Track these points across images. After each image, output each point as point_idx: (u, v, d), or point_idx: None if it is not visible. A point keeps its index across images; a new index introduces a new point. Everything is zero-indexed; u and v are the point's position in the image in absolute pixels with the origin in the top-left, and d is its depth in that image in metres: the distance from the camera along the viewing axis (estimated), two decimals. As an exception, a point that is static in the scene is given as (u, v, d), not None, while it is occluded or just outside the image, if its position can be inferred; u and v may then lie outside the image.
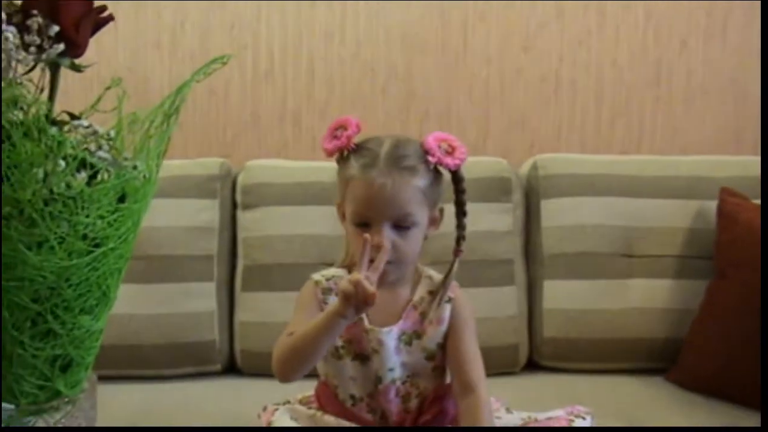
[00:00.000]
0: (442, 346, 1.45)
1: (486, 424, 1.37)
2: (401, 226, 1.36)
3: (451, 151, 1.39)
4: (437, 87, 2.55)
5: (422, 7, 2.51)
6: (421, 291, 1.47)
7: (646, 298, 2.07)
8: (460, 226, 1.47)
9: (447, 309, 1.45)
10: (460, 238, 1.47)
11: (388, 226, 1.35)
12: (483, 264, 2.07)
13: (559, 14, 2.53)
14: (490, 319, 2.05)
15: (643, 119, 2.57)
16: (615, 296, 2.07)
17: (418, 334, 1.44)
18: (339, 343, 1.42)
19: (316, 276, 1.48)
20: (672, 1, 2.52)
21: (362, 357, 1.43)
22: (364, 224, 1.37)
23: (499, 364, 2.07)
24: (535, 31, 2.53)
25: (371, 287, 1.23)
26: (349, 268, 1.46)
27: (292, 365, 1.34)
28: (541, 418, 1.47)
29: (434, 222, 1.45)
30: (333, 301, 1.38)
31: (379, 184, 1.34)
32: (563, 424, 1.44)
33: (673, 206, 2.11)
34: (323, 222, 2.02)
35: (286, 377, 1.36)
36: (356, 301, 1.23)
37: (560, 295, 2.09)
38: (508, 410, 1.54)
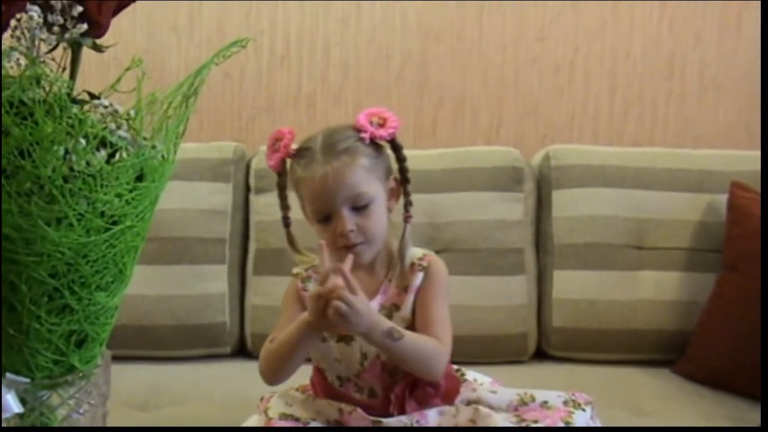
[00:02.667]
0: None
1: (428, 347, 1.39)
2: (358, 206, 1.40)
3: (382, 123, 1.43)
4: (451, 74, 2.55)
5: (438, -5, 2.52)
6: (399, 267, 1.49)
7: (655, 290, 2.08)
8: (406, 193, 1.50)
9: (419, 276, 1.47)
10: (407, 204, 1.50)
11: (347, 211, 1.39)
12: (493, 252, 2.08)
13: (575, 5, 2.52)
14: (500, 308, 2.06)
15: (656, 111, 2.57)
16: (624, 287, 2.08)
17: (396, 306, 1.46)
18: None
19: (296, 269, 1.54)
20: (687, -5, 2.52)
21: (346, 338, 1.46)
22: (325, 218, 1.41)
23: (508, 353, 2.09)
24: (551, 21, 2.53)
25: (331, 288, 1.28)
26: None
27: (274, 372, 1.42)
28: (539, 396, 1.48)
29: (393, 194, 1.49)
30: (312, 287, 1.44)
31: (321, 176, 1.38)
32: (560, 414, 1.44)
33: (683, 199, 2.11)
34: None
35: (271, 382, 1.44)
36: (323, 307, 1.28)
37: (570, 285, 2.10)
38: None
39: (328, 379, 1.50)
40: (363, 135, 1.41)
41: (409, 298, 1.46)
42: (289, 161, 1.47)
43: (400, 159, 1.48)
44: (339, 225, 1.39)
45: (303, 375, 1.53)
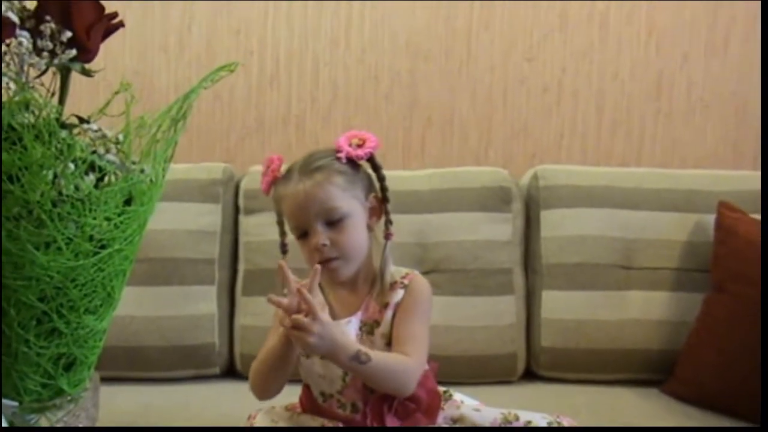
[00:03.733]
0: None
1: (397, 366, 1.40)
2: (332, 222, 1.44)
3: (361, 144, 1.48)
4: (440, 94, 2.56)
5: (427, 15, 2.53)
6: (381, 285, 1.52)
7: (643, 310, 2.08)
8: (385, 212, 1.53)
9: (400, 293, 1.49)
10: (387, 222, 1.53)
11: (321, 226, 1.44)
12: (482, 273, 2.08)
13: (563, 25, 2.54)
14: (489, 328, 2.06)
15: (644, 131, 2.58)
16: (612, 307, 2.08)
17: (377, 322, 1.48)
18: None
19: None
20: (674, 15, 2.54)
21: None
22: (303, 234, 1.46)
23: (497, 373, 2.09)
24: (539, 42, 2.55)
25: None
26: None
27: (261, 387, 1.47)
28: (522, 416, 1.49)
29: (374, 212, 1.53)
30: None
31: (294, 192, 1.45)
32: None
33: (671, 219, 2.12)
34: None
35: (260, 396, 1.48)
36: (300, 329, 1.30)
37: (558, 305, 2.10)
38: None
39: (313, 395, 1.52)
40: (339, 155, 1.46)
41: (388, 315, 1.48)
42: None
43: (380, 178, 1.53)
44: (313, 240, 1.44)
45: (292, 395, 1.55)
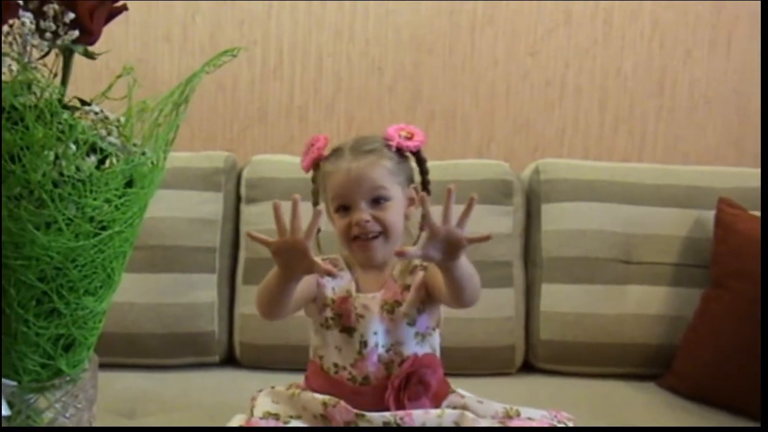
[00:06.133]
0: (421, 311, 1.54)
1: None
2: (377, 201, 1.50)
3: (410, 137, 1.57)
4: (443, 88, 2.57)
5: (431, 9, 2.54)
6: (401, 266, 1.57)
7: (642, 304, 2.08)
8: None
9: (420, 275, 1.54)
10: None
11: (365, 204, 1.50)
12: (482, 265, 2.05)
13: (567, 21, 2.55)
14: (488, 320, 2.07)
15: (646, 127, 2.59)
16: (611, 301, 2.09)
17: (398, 302, 1.53)
18: (329, 314, 1.54)
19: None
20: (678, 13, 2.54)
21: (348, 329, 1.52)
22: (344, 208, 1.51)
23: (495, 365, 2.09)
24: (542, 37, 2.55)
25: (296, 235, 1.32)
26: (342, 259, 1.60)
27: (263, 306, 1.47)
28: (523, 413, 1.50)
29: (412, 202, 1.58)
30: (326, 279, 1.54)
31: (347, 168, 1.51)
32: (545, 425, 1.47)
33: (671, 215, 2.12)
34: (325, 218, 2.04)
35: (263, 315, 1.49)
36: (285, 248, 1.32)
37: (557, 298, 2.10)
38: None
39: (324, 367, 1.54)
40: (390, 143, 1.54)
41: (412, 295, 1.53)
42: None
43: (424, 171, 1.61)
44: (356, 215, 1.49)
45: (295, 376, 1.60)
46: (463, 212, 1.33)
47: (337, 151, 1.55)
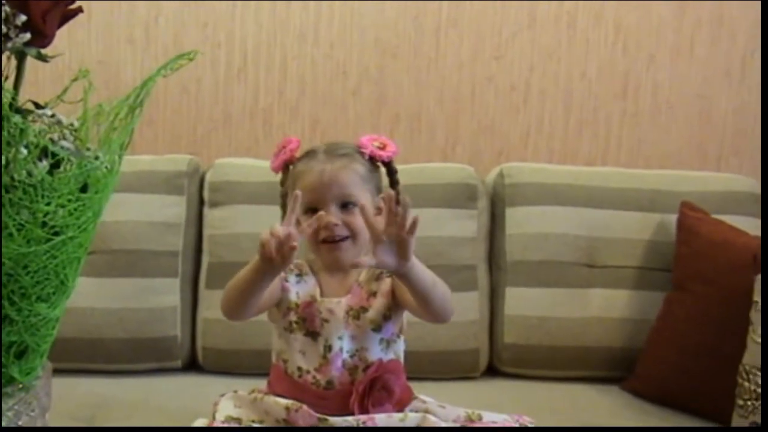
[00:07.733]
0: (387, 318, 1.54)
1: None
2: (346, 206, 1.50)
3: (383, 147, 1.59)
4: (408, 91, 2.57)
5: (396, 12, 2.54)
6: (366, 273, 1.58)
7: (605, 308, 2.09)
8: None
9: (387, 283, 1.55)
10: None
11: (335, 208, 1.50)
12: (446, 269, 2.07)
13: (531, 24, 2.55)
14: (452, 324, 2.03)
15: (610, 131, 2.60)
16: (575, 305, 2.09)
17: (364, 308, 1.54)
18: (293, 318, 1.54)
19: None
20: (641, 17, 2.56)
21: (312, 333, 1.53)
22: (312, 210, 1.49)
23: (460, 369, 2.09)
24: (507, 40, 2.56)
25: (285, 231, 1.32)
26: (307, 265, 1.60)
27: (231, 302, 1.47)
28: (485, 417, 1.52)
29: (379, 211, 1.53)
30: (293, 279, 1.56)
31: (320, 170, 1.51)
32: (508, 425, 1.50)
33: (634, 218, 2.14)
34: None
35: (226, 314, 1.50)
36: (272, 248, 1.32)
37: (522, 301, 2.11)
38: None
39: (287, 371, 1.54)
40: (363, 150, 1.56)
41: (379, 302, 1.53)
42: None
43: (394, 182, 1.61)
44: (325, 218, 1.47)
45: (258, 380, 1.61)
46: (397, 213, 1.33)
47: (310, 153, 1.56)
